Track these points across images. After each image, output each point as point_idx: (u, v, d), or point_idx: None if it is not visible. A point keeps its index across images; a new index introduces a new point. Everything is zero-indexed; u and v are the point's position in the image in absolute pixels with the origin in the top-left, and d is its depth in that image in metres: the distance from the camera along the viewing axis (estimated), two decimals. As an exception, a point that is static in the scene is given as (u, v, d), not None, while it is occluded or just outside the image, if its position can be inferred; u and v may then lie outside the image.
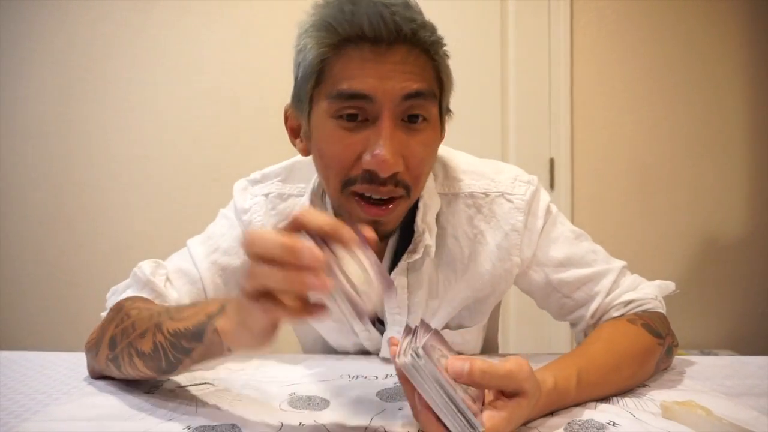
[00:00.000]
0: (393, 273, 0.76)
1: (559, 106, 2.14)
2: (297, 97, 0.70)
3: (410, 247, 0.75)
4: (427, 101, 0.66)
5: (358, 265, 0.46)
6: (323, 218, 0.46)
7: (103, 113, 2.06)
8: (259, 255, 0.45)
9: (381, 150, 0.62)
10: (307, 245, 0.44)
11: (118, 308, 0.69)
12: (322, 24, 0.64)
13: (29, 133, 2.05)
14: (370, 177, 0.64)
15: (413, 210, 0.74)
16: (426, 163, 0.68)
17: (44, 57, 2.04)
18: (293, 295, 0.46)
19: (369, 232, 0.47)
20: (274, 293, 0.46)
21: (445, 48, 0.68)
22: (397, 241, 0.77)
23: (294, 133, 0.75)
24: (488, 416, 0.49)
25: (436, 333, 0.55)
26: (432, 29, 0.66)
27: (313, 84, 0.66)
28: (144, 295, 0.74)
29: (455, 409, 0.47)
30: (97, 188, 2.07)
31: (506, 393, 0.52)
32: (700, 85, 2.15)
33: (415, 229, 0.74)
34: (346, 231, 0.46)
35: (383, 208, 0.66)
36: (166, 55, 2.06)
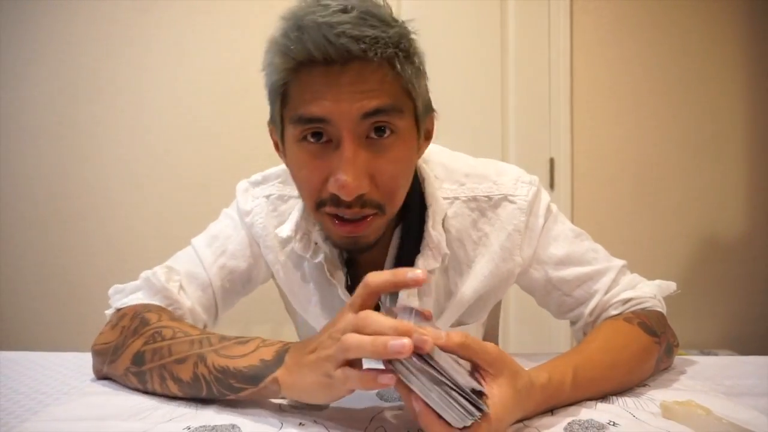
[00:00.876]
0: None
1: (559, 106, 2.14)
2: (272, 116, 0.70)
3: (420, 255, 0.75)
4: (391, 116, 0.64)
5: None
6: (386, 275, 0.52)
7: (104, 113, 2.06)
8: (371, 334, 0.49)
9: (342, 175, 0.61)
10: (416, 328, 0.48)
11: (141, 320, 0.67)
12: (277, 49, 0.63)
13: (31, 133, 2.06)
14: (337, 200, 0.64)
15: (409, 216, 0.75)
16: (399, 178, 0.67)
17: (45, 57, 2.04)
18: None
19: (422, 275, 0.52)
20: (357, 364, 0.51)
21: (411, 54, 0.65)
22: (397, 249, 0.78)
23: (277, 147, 0.75)
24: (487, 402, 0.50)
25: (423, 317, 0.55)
26: (390, 41, 0.61)
27: (279, 106, 0.67)
28: (156, 301, 0.74)
29: (450, 400, 0.48)
30: (98, 188, 2.07)
31: (483, 373, 0.52)
32: (699, 85, 2.15)
33: (426, 236, 0.75)
34: (407, 274, 0.51)
35: (357, 224, 0.66)
36: (168, 55, 2.06)
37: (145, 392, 0.65)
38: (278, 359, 0.57)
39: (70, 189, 2.07)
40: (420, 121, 0.69)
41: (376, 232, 0.69)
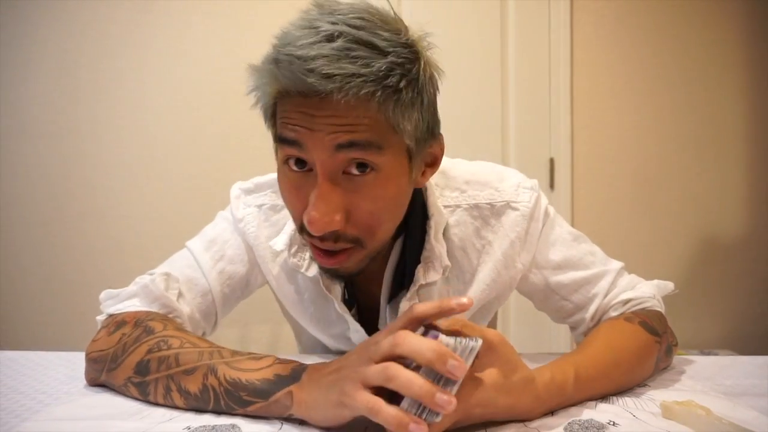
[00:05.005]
0: (406, 297, 0.75)
1: (559, 106, 2.14)
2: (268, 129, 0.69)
3: (421, 266, 0.75)
4: (368, 152, 0.59)
5: None
6: (432, 304, 0.51)
7: (103, 113, 2.06)
8: (406, 355, 0.48)
9: (311, 210, 0.59)
10: (456, 356, 0.47)
11: (144, 329, 0.65)
12: (259, 74, 0.62)
13: (30, 134, 2.06)
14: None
15: (411, 226, 0.74)
16: (380, 215, 0.63)
17: (45, 57, 2.05)
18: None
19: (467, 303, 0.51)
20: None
21: (400, 89, 0.59)
22: (397, 259, 0.77)
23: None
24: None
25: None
26: (372, 77, 0.56)
27: (271, 123, 0.65)
28: (154, 309, 0.72)
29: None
30: (97, 188, 2.07)
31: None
32: (699, 86, 2.15)
33: (428, 247, 0.74)
34: (453, 302, 0.51)
35: (335, 258, 0.64)
36: (167, 55, 2.06)
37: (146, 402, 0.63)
38: (294, 375, 0.56)
39: (69, 189, 2.07)
40: (413, 155, 0.64)
41: (358, 263, 0.66)
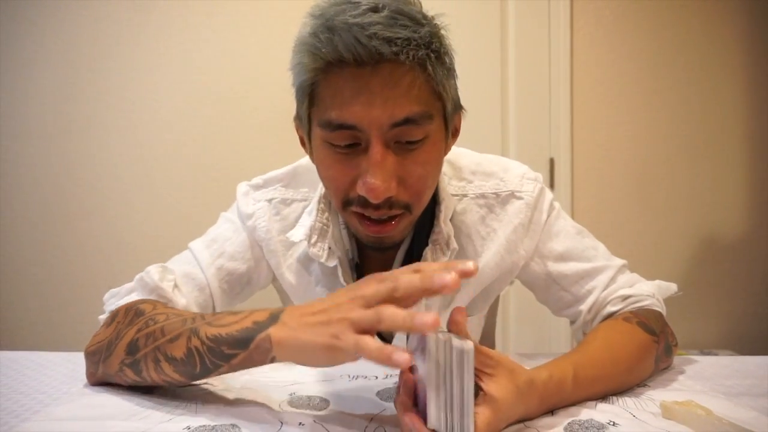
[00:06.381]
0: None
1: (559, 106, 2.14)
2: (298, 113, 0.71)
3: (429, 248, 0.76)
4: (419, 125, 0.63)
5: None
6: (437, 264, 0.50)
7: (104, 113, 2.06)
8: (402, 292, 0.48)
9: (370, 178, 0.62)
10: (440, 268, 0.47)
11: (135, 312, 0.66)
12: (306, 48, 0.62)
13: (30, 133, 2.05)
14: (365, 201, 0.65)
15: (423, 212, 0.75)
16: (427, 179, 0.68)
17: (45, 57, 2.04)
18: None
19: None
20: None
21: (441, 54, 0.64)
22: (409, 245, 0.78)
23: (303, 142, 0.75)
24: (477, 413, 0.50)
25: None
26: (422, 41, 0.61)
27: (307, 105, 0.67)
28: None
29: (443, 406, 0.47)
30: (98, 188, 2.07)
31: (480, 374, 0.53)
32: (699, 86, 2.15)
33: (437, 230, 0.76)
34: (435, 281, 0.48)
35: (384, 225, 0.67)
36: (168, 55, 2.06)
37: (143, 385, 0.63)
38: (272, 319, 0.54)
39: (70, 189, 2.07)
40: (448, 121, 0.69)
41: (403, 231, 0.70)
